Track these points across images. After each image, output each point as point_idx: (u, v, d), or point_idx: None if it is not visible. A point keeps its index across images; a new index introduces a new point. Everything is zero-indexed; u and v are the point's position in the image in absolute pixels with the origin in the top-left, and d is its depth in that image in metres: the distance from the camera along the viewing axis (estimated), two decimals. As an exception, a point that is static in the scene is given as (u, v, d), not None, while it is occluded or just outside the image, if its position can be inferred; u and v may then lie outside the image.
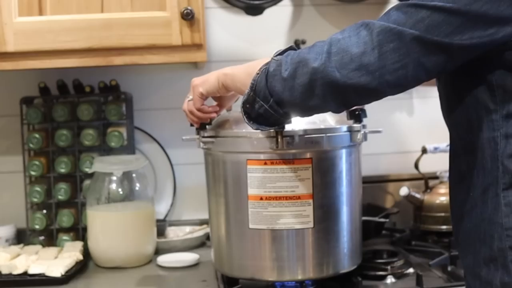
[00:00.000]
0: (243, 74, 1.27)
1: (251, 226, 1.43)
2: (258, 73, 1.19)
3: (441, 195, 1.92)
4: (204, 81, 1.36)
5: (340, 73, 1.08)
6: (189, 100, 1.40)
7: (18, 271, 1.66)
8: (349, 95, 1.11)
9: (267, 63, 1.19)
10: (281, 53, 1.19)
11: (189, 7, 1.66)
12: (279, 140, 1.37)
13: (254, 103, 1.19)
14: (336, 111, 1.18)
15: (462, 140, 1.15)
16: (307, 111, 1.20)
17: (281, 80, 1.14)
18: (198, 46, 1.73)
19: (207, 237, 1.92)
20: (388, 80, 1.07)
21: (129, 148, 1.99)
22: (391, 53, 1.06)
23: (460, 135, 1.16)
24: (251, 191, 1.42)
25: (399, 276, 1.62)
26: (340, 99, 1.12)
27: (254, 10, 2.11)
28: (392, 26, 1.06)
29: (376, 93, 1.11)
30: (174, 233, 2.03)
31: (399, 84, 1.09)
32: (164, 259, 1.81)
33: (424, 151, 1.98)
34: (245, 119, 1.23)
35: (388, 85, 1.08)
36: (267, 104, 1.17)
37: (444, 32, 1.05)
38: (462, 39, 1.05)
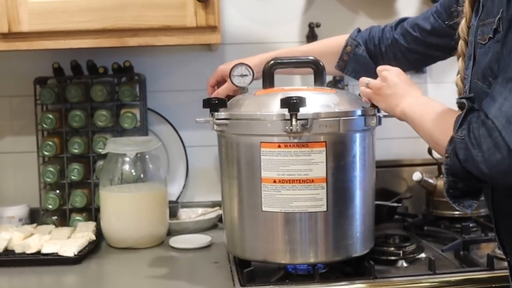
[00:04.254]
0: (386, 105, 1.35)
1: (264, 208, 1.43)
2: (447, 156, 1.13)
3: (454, 181, 1.91)
4: None
5: None
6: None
7: (31, 250, 1.67)
8: None
9: (451, 141, 1.12)
10: (461, 123, 1.11)
11: (204, -11, 1.66)
12: (294, 123, 1.37)
13: (456, 184, 1.15)
14: None
15: None
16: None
17: (479, 170, 1.08)
18: (213, 28, 1.72)
19: (219, 219, 1.92)
20: None
21: (142, 129, 2.00)
22: None
23: None
24: (265, 173, 1.42)
25: (411, 260, 1.62)
26: None
27: (269, -8, 2.10)
28: None
29: None
30: (187, 215, 2.04)
31: None
32: (176, 240, 1.82)
33: (438, 136, 1.97)
34: (456, 205, 1.19)
35: None
36: (469, 182, 1.14)
37: None
38: None
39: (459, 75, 1.28)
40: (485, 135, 1.06)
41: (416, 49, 1.59)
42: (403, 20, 1.62)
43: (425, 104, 1.27)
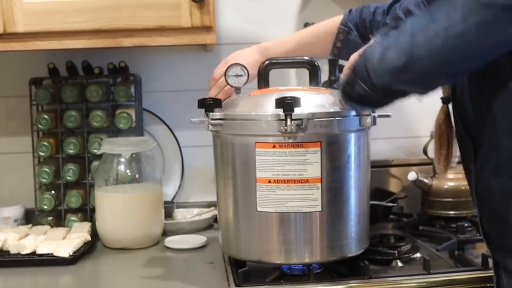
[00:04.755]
0: None
1: (259, 209, 1.44)
2: (360, 55, 1.18)
3: (449, 180, 1.91)
4: None
5: (428, 51, 1.06)
6: None
7: (26, 251, 1.67)
8: (437, 74, 1.09)
9: (369, 44, 1.17)
10: (387, 31, 1.16)
11: (199, -11, 1.66)
12: (288, 123, 1.37)
13: (354, 84, 1.19)
14: (424, 93, 1.17)
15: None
16: (396, 96, 1.19)
17: (373, 65, 1.13)
18: (208, 28, 1.72)
19: (215, 219, 1.92)
20: (475, 53, 1.05)
21: (138, 129, 1.99)
22: (478, 25, 1.02)
23: None
24: (260, 174, 1.42)
25: (406, 260, 1.62)
26: (427, 80, 1.11)
27: (264, -8, 2.11)
28: None
29: (463, 67, 1.08)
30: (182, 215, 2.04)
31: (484, 54, 1.06)
32: (172, 241, 1.82)
33: (433, 136, 1.97)
34: (344, 99, 1.23)
35: (474, 57, 1.06)
36: (366, 86, 1.17)
37: None
38: None
39: None
40: (395, 33, 1.10)
41: None
42: (396, 1, 1.61)
43: None
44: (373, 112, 1.34)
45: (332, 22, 1.67)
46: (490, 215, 1.21)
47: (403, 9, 1.57)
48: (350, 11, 1.66)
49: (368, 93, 1.18)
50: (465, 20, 1.03)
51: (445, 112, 1.37)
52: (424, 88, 1.16)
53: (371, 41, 1.18)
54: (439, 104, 2.07)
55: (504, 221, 1.16)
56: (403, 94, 1.19)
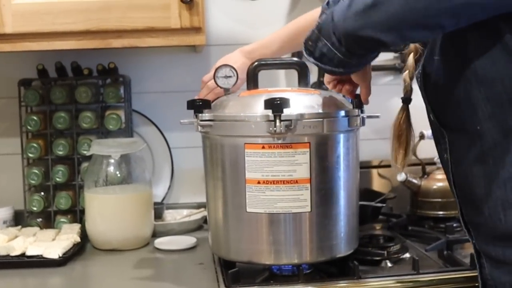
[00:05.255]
0: None
1: (248, 209, 1.44)
2: (327, 13, 1.16)
3: (438, 181, 1.92)
4: None
5: None
6: None
7: (15, 252, 1.67)
8: (408, 22, 1.06)
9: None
10: None
11: (188, -10, 1.66)
12: (277, 124, 1.37)
13: (318, 41, 1.17)
14: (392, 43, 1.11)
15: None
16: (363, 44, 1.14)
17: (339, 15, 1.11)
18: (197, 30, 1.72)
19: (205, 220, 1.92)
20: (447, 8, 1.03)
21: (127, 131, 1.99)
22: None
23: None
24: (249, 175, 1.42)
25: (395, 260, 1.63)
26: (396, 27, 1.08)
27: (254, -7, 2.11)
28: None
29: (434, 21, 1.05)
30: (172, 216, 2.04)
31: (456, 12, 1.04)
32: (162, 242, 1.82)
33: (421, 137, 1.98)
34: (305, 54, 1.21)
35: (445, 12, 1.04)
36: (330, 42, 1.14)
37: None
38: None
39: (407, 71, 1.30)
40: None
41: None
42: None
43: None
44: (337, 72, 1.30)
45: (311, 15, 1.67)
46: (471, 204, 1.20)
47: None
48: (328, 3, 1.66)
49: (331, 51, 1.16)
50: None
51: (405, 112, 1.37)
52: (393, 35, 1.10)
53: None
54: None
55: (486, 207, 1.15)
56: (371, 44, 1.12)
